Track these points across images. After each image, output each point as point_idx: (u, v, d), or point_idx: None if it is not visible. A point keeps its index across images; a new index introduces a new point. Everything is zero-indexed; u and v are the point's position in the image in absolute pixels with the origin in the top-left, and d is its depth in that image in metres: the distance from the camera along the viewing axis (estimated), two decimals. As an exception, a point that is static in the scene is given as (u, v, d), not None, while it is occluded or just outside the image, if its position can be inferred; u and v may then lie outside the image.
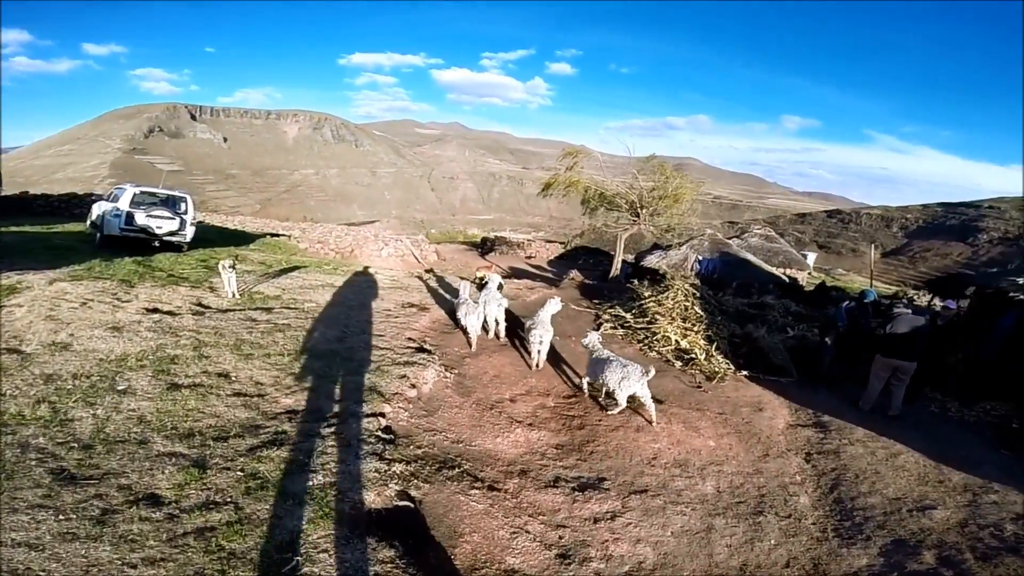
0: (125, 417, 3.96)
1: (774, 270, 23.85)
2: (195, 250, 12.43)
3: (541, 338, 6.86)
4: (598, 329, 9.76)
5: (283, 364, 5.37)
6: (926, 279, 25.44)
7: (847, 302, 8.89)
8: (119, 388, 4.37)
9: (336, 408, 4.52)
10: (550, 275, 25.13)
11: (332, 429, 4.08)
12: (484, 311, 7.58)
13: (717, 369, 8.09)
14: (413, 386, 5.31)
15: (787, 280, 23.17)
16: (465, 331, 7.54)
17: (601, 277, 23.55)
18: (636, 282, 12.33)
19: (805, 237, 70.85)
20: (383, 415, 4.52)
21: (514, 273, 21.80)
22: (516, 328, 8.24)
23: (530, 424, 5.38)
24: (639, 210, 16.48)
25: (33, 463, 3.28)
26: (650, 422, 5.70)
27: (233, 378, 4.84)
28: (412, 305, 8.93)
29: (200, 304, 7.24)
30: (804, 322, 11.95)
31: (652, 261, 22.01)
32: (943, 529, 4.31)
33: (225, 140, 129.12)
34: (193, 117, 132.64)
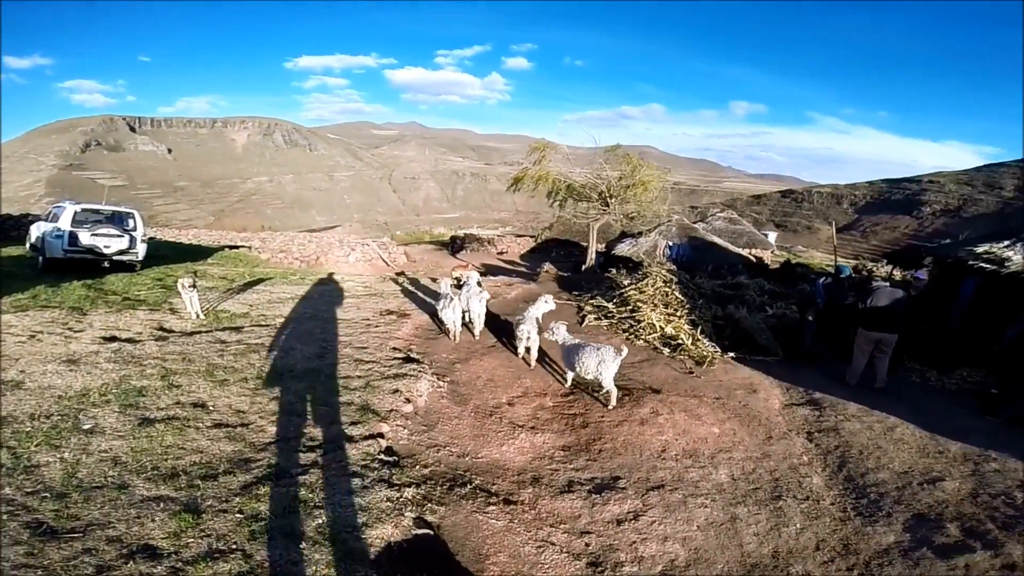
0: (97, 459, 3.54)
1: (740, 251, 24.35)
2: (149, 269, 11.67)
3: (528, 334, 6.69)
4: (582, 322, 9.66)
5: (263, 389, 4.97)
6: (881, 251, 26.49)
7: (823, 278, 8.99)
8: (84, 427, 3.92)
9: (330, 432, 4.18)
10: (524, 269, 24.94)
11: (331, 456, 3.76)
12: (467, 305, 7.57)
13: (705, 353, 8.06)
14: (408, 400, 5.01)
15: (754, 260, 23.72)
16: (445, 327, 7.50)
17: (574, 268, 23.51)
18: (614, 271, 12.31)
19: (762, 217, 73.21)
20: (382, 435, 4.21)
21: (488, 270, 21.48)
22: (501, 328, 8.03)
23: (532, 427, 5.17)
24: (608, 199, 16.46)
25: (5, 517, 2.89)
26: (605, 406, 5.72)
27: (211, 408, 4.43)
28: (391, 312, 8.58)
29: (162, 328, 6.72)
30: (779, 300, 12.16)
31: (623, 250, 22.03)
32: (957, 501, 4.33)
33: (170, 151, 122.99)
34: (132, 129, 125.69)
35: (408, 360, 6.19)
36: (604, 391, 5.81)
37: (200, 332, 6.61)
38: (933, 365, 8.22)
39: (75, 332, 6.11)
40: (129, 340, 6.01)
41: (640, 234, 23.65)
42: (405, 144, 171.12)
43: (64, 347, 5.51)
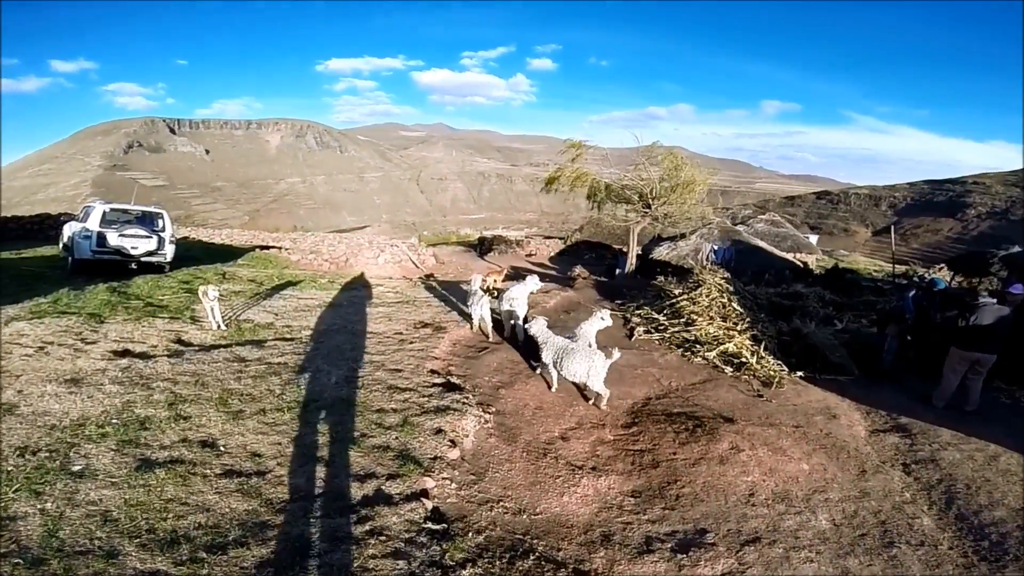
0: (84, 514, 2.92)
1: (786, 255, 23.02)
2: (178, 270, 11.31)
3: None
4: (631, 336, 8.81)
5: (284, 423, 4.23)
6: (933, 256, 24.64)
7: (913, 291, 8.04)
8: (74, 469, 3.31)
9: (364, 489, 3.44)
10: (555, 273, 24.09)
11: (367, 526, 3.01)
12: (501, 306, 7.39)
13: (772, 373, 7.26)
14: (453, 443, 4.22)
15: (801, 265, 22.36)
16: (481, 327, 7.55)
17: (607, 272, 22.56)
18: (661, 279, 11.41)
19: (796, 219, 70.70)
20: (426, 493, 3.46)
21: (519, 274, 20.71)
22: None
23: (594, 468, 4.39)
24: (650, 201, 15.50)
25: (-34, 589, 2.29)
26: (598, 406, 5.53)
27: (222, 448, 3.74)
28: (425, 324, 7.89)
29: (179, 340, 6.15)
30: (844, 311, 11.07)
31: (662, 253, 20.99)
32: (1089, 538, 3.62)
33: (207, 152, 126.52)
34: (172, 131, 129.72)
35: (448, 387, 5.41)
36: (595, 394, 5.56)
37: (219, 346, 6.00)
38: (1021, 384, 7.34)
39: (87, 344, 5.59)
40: (141, 355, 5.44)
41: (679, 237, 22.57)
42: (432, 145, 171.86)
43: (71, 363, 4.96)
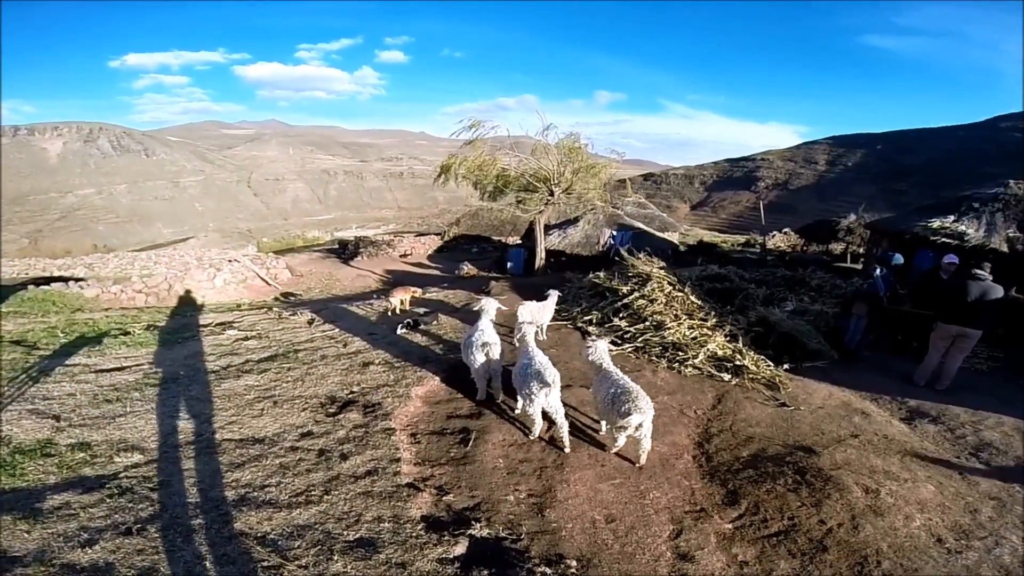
0: None
1: (664, 235, 23.60)
2: None
3: (638, 414, 3.77)
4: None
5: None
6: (797, 227, 27.56)
7: (879, 270, 7.74)
8: None
9: None
10: (439, 273, 21.74)
11: None
12: (474, 356, 4.82)
13: (771, 374, 6.27)
14: None
15: (679, 244, 23.10)
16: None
17: (495, 266, 20.89)
18: (600, 275, 9.92)
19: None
20: None
21: (398, 278, 17.91)
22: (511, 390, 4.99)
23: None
24: (553, 187, 14.02)
25: None
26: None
27: None
28: (342, 403, 4.81)
29: None
30: (773, 289, 10.67)
31: (553, 242, 19.91)
32: None
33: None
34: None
35: (483, 554, 2.75)
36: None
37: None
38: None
39: None
40: None
41: (567, 224, 21.72)
42: (264, 143, 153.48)
43: None
